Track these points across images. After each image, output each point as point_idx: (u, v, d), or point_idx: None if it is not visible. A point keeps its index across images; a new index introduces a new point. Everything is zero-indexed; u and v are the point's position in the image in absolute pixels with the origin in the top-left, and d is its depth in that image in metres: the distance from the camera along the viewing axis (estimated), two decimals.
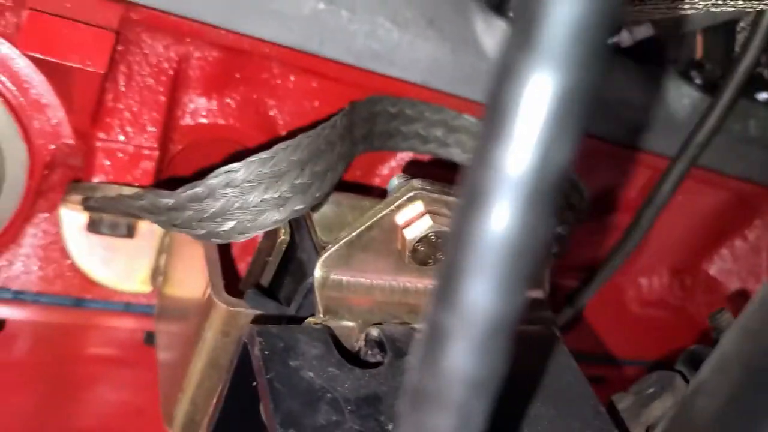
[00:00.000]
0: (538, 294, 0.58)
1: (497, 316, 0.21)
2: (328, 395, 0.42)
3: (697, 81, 0.79)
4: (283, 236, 0.56)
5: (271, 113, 0.68)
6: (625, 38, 0.77)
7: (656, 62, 0.80)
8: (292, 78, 0.67)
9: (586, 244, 0.89)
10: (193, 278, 0.59)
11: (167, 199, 0.52)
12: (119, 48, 0.60)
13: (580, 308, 0.86)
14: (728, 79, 0.72)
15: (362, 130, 0.63)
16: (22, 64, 0.59)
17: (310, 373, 0.43)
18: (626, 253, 0.82)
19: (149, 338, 0.71)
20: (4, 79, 0.59)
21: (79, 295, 0.68)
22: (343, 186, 0.58)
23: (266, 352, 0.43)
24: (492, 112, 0.20)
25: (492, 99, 0.20)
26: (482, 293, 0.20)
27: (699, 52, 0.81)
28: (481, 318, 0.21)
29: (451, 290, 0.21)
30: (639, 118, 0.79)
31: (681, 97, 0.79)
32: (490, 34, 0.69)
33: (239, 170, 0.50)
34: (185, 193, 0.51)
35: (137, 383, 0.73)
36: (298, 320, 0.50)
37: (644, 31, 0.76)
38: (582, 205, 0.65)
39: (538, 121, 0.19)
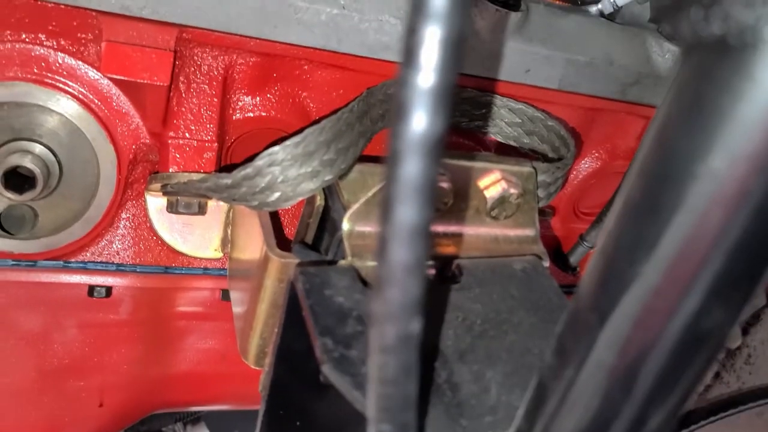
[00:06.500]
0: (530, 232, 0.71)
1: (417, 225, 0.34)
2: (354, 313, 0.55)
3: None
4: (320, 201, 0.70)
5: (305, 103, 0.81)
6: (606, 6, 0.88)
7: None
8: (319, 72, 0.79)
9: (595, 189, 1.00)
10: (252, 242, 0.73)
11: (226, 179, 0.66)
12: (177, 63, 0.73)
13: (592, 245, 0.97)
14: None
15: (379, 110, 0.76)
16: (104, 83, 0.74)
17: (341, 299, 0.56)
18: None
19: (225, 295, 0.87)
20: (92, 96, 0.74)
21: (166, 264, 0.83)
22: (368, 158, 0.72)
23: (307, 286, 0.57)
24: (406, 60, 0.32)
25: (404, 54, 0.32)
26: (407, 210, 0.34)
27: None
28: (408, 228, 0.34)
29: (388, 211, 0.34)
30: (628, 75, 0.89)
31: (663, 52, 0.89)
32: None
33: (279, 152, 0.64)
34: (239, 173, 0.65)
35: (218, 333, 0.88)
36: (333, 264, 0.64)
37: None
38: (568, 155, 0.76)
39: (432, 59, 0.31)
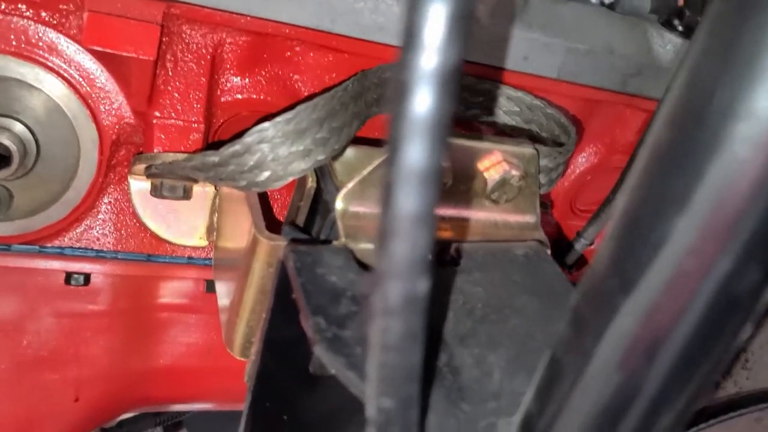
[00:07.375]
0: (530, 218, 0.68)
1: (427, 168, 0.31)
2: (348, 293, 0.52)
3: (679, 28, 0.86)
4: (311, 183, 0.66)
5: (296, 86, 0.78)
6: None
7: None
8: (311, 54, 0.76)
9: (592, 185, 0.98)
10: (240, 229, 0.70)
11: (213, 157, 0.63)
12: (165, 39, 0.70)
13: (590, 241, 0.94)
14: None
15: (374, 94, 0.73)
16: (85, 58, 0.71)
17: (334, 278, 0.53)
18: None
19: (210, 286, 0.83)
20: (73, 72, 0.71)
21: (149, 252, 0.80)
22: (363, 141, 0.69)
23: (298, 264, 0.53)
24: (407, 37, 0.29)
25: (406, 28, 0.29)
26: (415, 149, 0.31)
27: (680, 1, 0.88)
28: (416, 170, 0.31)
29: (395, 152, 0.31)
30: (629, 66, 0.87)
31: (665, 43, 0.87)
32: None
33: (269, 129, 0.60)
34: (227, 150, 0.62)
35: (203, 326, 0.85)
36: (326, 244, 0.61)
37: None
38: (569, 141, 0.74)
39: (436, 38, 0.28)
